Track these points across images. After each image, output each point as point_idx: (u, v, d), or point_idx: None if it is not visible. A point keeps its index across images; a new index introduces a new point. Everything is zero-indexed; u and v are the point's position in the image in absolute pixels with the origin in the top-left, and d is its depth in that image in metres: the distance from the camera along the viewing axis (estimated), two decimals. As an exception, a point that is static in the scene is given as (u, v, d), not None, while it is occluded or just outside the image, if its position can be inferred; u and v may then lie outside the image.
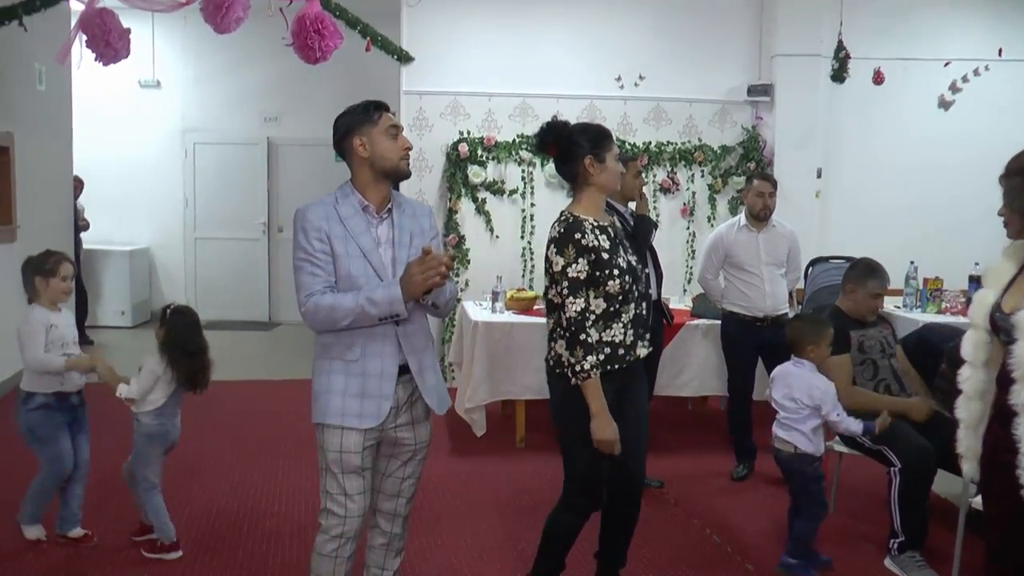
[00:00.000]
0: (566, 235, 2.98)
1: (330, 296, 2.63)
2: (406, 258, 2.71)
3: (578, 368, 2.93)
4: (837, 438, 4.14)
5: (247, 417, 5.61)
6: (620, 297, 2.99)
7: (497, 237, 7.09)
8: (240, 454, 5.23)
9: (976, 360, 2.49)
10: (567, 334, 2.96)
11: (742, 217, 5.08)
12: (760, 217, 4.97)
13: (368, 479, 2.79)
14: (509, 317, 5.61)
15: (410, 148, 2.80)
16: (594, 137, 3.11)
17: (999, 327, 2.37)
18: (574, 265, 2.95)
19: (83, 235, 8.90)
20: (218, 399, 6.53)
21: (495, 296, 5.81)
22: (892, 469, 3.76)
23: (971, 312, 2.52)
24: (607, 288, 2.96)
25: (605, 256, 2.97)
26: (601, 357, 2.97)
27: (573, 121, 3.24)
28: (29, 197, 7.08)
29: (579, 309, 2.94)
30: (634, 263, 3.11)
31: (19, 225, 6.90)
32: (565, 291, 2.96)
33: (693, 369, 5.65)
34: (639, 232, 4.39)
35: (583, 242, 2.95)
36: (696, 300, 5.86)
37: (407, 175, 2.79)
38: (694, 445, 5.63)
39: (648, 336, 3.20)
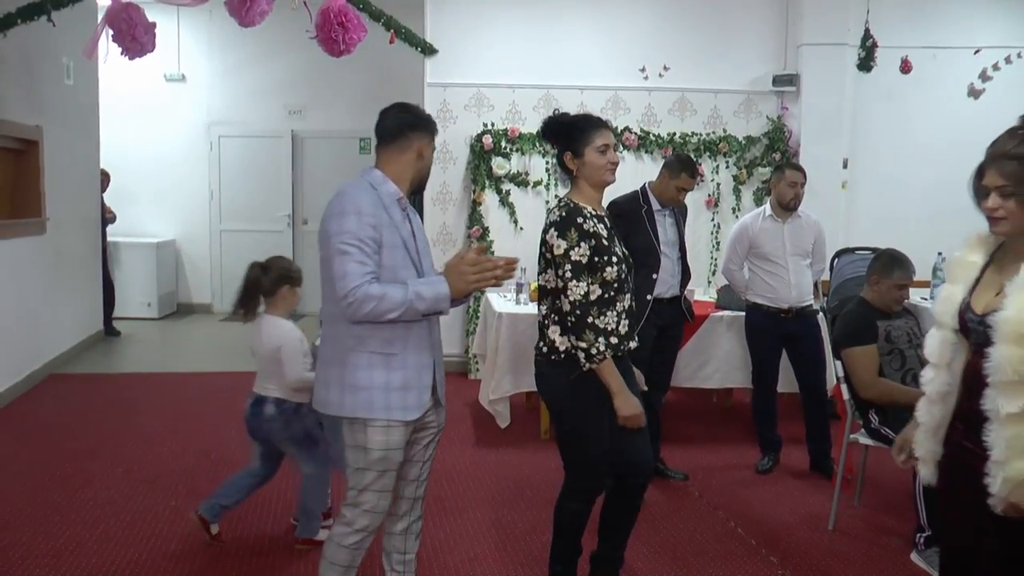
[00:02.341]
0: (568, 219, 3.01)
1: (379, 287, 2.56)
2: (425, 251, 2.80)
3: (593, 351, 2.94)
4: (862, 430, 4.11)
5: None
6: (616, 285, 3.03)
7: (521, 229, 7.09)
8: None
9: (941, 361, 2.32)
10: (572, 319, 2.96)
11: (767, 207, 5.03)
12: (790, 207, 4.92)
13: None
14: (533, 309, 5.59)
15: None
16: (568, 132, 3.12)
17: (969, 328, 2.21)
18: (576, 248, 2.96)
19: (110, 227, 8.99)
20: (244, 390, 6.59)
21: (519, 288, 5.81)
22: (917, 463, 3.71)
23: (937, 310, 2.34)
24: (604, 275, 3.00)
25: (604, 243, 3.02)
26: (613, 340, 3.00)
27: (597, 112, 3.25)
28: (57, 190, 7.16)
29: (583, 292, 2.96)
30: (626, 254, 3.12)
31: (48, 218, 6.99)
32: (568, 274, 2.96)
33: (717, 361, 5.63)
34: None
35: (585, 227, 2.99)
36: (720, 292, 5.83)
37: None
38: (719, 437, 5.61)
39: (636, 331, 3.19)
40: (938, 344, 2.33)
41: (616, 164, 3.13)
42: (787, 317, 4.90)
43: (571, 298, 2.96)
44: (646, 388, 3.40)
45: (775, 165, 4.90)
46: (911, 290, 4.21)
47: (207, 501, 3.80)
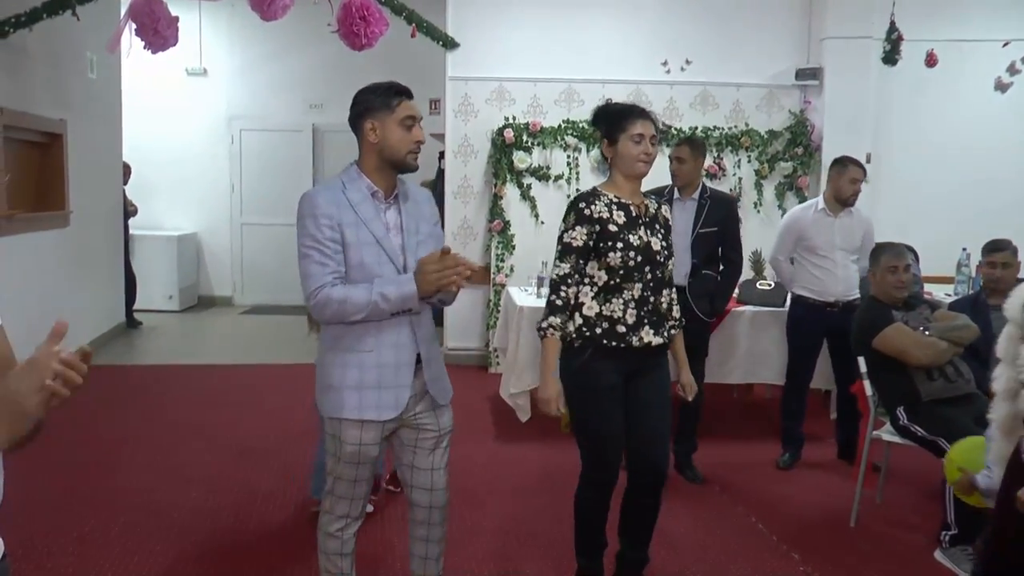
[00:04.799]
0: (573, 203, 3.10)
1: (341, 289, 2.56)
2: (414, 245, 2.68)
3: (544, 324, 3.05)
4: (887, 425, 4.08)
5: (294, 400, 5.69)
6: (621, 272, 3.02)
7: (542, 223, 7.07)
8: (286, 437, 5.28)
9: (1007, 357, 2.27)
10: (549, 295, 3.07)
11: (819, 200, 4.99)
12: (849, 203, 4.89)
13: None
14: (553, 303, 5.58)
15: (422, 142, 2.68)
16: (606, 120, 3.13)
17: None
18: (569, 232, 3.05)
19: (132, 220, 9.06)
20: (265, 383, 6.64)
21: (540, 282, 5.79)
22: (948, 461, 3.68)
23: (1006, 304, 2.32)
24: (607, 260, 3.01)
25: (612, 228, 3.02)
26: (620, 329, 3.02)
27: None
28: (81, 183, 7.22)
29: (561, 274, 3.05)
30: (657, 248, 3.07)
31: (71, 211, 7.04)
32: (556, 254, 3.08)
33: (739, 356, 5.59)
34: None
35: (586, 212, 3.04)
36: (741, 287, 5.79)
37: (413, 169, 2.69)
38: (739, 433, 5.59)
39: (667, 327, 3.12)
40: (1004, 340, 2.30)
41: (650, 156, 3.07)
42: (833, 310, 4.85)
43: (551, 276, 3.09)
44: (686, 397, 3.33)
45: (833, 159, 4.86)
46: (936, 287, 4.18)
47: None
